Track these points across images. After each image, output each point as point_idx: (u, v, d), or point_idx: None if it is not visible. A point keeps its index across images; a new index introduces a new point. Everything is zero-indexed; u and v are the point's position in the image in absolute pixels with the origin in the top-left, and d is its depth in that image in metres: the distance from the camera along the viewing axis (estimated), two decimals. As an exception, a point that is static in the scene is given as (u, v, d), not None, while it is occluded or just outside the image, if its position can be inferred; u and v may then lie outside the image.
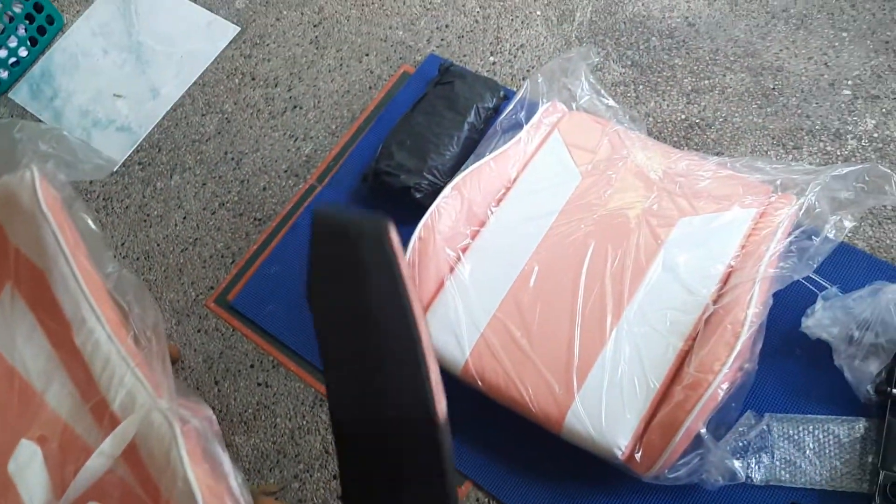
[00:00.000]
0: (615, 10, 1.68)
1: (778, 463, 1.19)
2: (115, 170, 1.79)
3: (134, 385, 0.94)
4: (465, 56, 1.72)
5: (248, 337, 1.50)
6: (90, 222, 1.09)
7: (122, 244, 1.69)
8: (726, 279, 1.23)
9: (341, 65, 1.79)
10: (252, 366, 1.48)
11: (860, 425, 1.18)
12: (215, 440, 0.92)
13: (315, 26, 1.86)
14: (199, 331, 1.54)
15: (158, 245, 1.67)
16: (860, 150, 1.40)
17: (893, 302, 1.14)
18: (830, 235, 1.22)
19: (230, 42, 1.91)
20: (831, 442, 1.18)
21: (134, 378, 0.94)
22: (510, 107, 1.46)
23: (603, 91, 1.45)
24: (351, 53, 1.80)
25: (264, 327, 1.49)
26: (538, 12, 1.73)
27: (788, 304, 1.24)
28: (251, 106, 1.80)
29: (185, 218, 1.68)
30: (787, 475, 1.17)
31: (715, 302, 1.20)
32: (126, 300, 0.99)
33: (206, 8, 1.96)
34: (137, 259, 1.66)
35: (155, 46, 1.96)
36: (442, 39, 1.76)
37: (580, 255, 1.28)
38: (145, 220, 1.71)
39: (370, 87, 1.74)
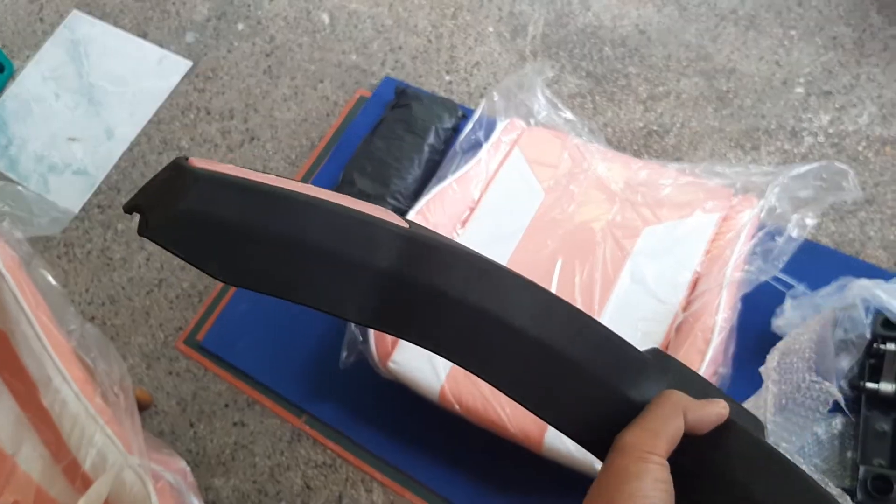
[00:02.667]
0: (566, 21, 1.69)
1: (759, 465, 1.19)
2: (75, 214, 1.76)
3: (104, 443, 0.92)
4: (420, 77, 1.71)
5: (220, 376, 1.48)
6: (50, 278, 1.07)
7: (87, 290, 1.66)
8: (694, 286, 1.23)
9: (296, 93, 1.78)
10: (227, 405, 1.46)
11: (837, 422, 1.19)
12: (190, 492, 0.90)
13: (267, 56, 1.85)
14: (170, 373, 1.52)
15: (123, 288, 1.64)
16: (817, 147, 1.41)
17: (860, 297, 1.15)
18: (793, 234, 1.23)
19: (183, 77, 1.89)
20: (810, 440, 1.19)
21: (104, 436, 0.92)
22: (469, 126, 1.46)
23: (560, 104, 1.46)
24: (305, 81, 1.79)
25: (237, 365, 1.48)
26: (490, 28, 1.73)
27: (758, 305, 1.25)
28: (208, 141, 1.78)
29: (148, 259, 1.66)
30: (769, 477, 1.18)
31: (685, 309, 1.21)
32: (91, 356, 0.97)
33: (156, 44, 1.94)
34: (102, 304, 1.63)
35: (107, 87, 1.94)
36: (396, 61, 1.75)
37: (548, 273, 1.28)
38: (108, 264, 1.68)
39: (327, 114, 1.73)
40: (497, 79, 1.66)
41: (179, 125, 1.83)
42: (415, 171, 1.51)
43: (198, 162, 0.41)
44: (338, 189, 1.51)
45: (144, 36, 1.96)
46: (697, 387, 0.50)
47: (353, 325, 1.30)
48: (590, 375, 0.47)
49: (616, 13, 1.67)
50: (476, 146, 1.44)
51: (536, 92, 1.47)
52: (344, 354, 1.32)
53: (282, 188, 0.42)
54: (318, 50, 1.82)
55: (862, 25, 1.50)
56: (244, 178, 0.41)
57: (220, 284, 1.57)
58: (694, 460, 0.45)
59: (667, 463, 0.43)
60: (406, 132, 1.54)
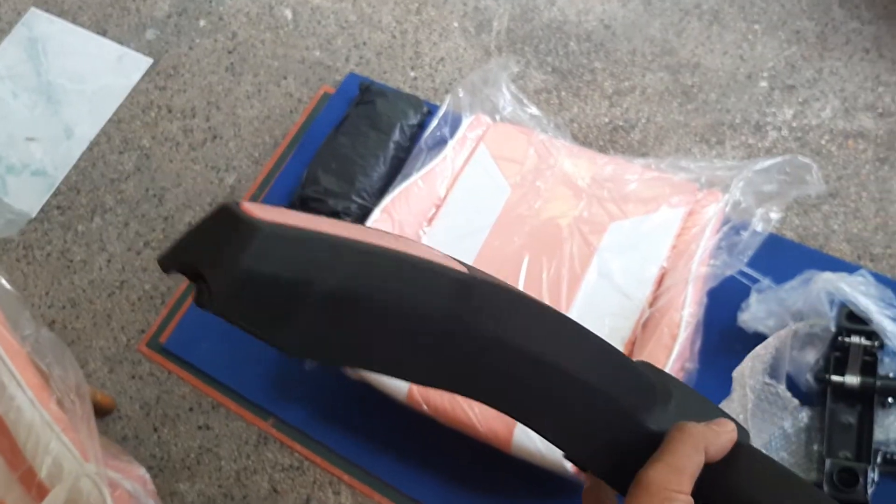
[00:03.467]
0: (531, 16, 1.68)
1: (727, 460, 1.19)
2: (33, 216, 1.72)
3: (61, 451, 0.90)
4: (385, 73, 1.70)
5: (184, 379, 1.45)
6: (5, 283, 1.04)
7: (46, 293, 1.62)
8: (661, 281, 1.23)
9: (259, 90, 1.75)
10: (191, 409, 1.43)
11: (803, 415, 1.19)
12: (150, 500, 0.88)
13: (229, 52, 1.82)
14: (133, 377, 1.49)
15: (84, 291, 1.61)
16: (781, 141, 1.42)
17: (824, 291, 1.16)
18: (758, 228, 1.23)
19: (143, 75, 1.85)
20: (777, 434, 1.19)
21: (60, 444, 0.90)
22: (434, 123, 1.45)
23: (525, 100, 1.45)
24: (268, 78, 1.76)
25: (201, 368, 1.45)
26: (455, 24, 1.72)
27: (724, 299, 1.25)
28: (170, 139, 1.75)
29: (109, 261, 1.63)
30: (737, 471, 1.18)
31: (651, 304, 1.20)
32: (46, 362, 0.95)
33: (115, 42, 1.91)
34: (63, 307, 1.60)
35: (66, 85, 1.90)
36: (360, 57, 1.73)
37: (515, 270, 1.27)
38: (68, 267, 1.65)
39: (291, 111, 1.71)
40: (462, 74, 1.65)
41: (140, 124, 1.80)
42: (380, 168, 1.49)
43: (254, 209, 0.35)
44: (303, 187, 1.49)
45: (104, 33, 1.92)
46: (697, 406, 0.50)
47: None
48: (618, 408, 0.47)
49: (581, 8, 1.66)
50: (441, 143, 1.43)
51: (502, 87, 1.46)
52: (309, 355, 1.30)
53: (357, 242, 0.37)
54: (282, 46, 1.79)
55: (824, 19, 1.51)
56: (320, 233, 0.36)
57: (183, 285, 1.54)
58: (712, 487, 0.45)
59: (692, 499, 0.44)
60: (371, 129, 1.52)
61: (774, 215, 1.23)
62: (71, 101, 1.87)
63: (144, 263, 1.61)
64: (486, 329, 0.41)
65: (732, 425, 0.47)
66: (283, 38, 1.81)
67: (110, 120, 1.81)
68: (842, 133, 1.39)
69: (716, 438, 0.46)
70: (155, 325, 1.52)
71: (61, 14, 1.98)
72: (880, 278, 1.22)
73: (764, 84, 1.48)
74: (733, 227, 1.24)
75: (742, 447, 0.47)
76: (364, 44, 1.75)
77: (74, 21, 1.96)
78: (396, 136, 1.52)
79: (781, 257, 1.32)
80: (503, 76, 1.45)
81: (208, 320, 1.50)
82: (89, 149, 1.79)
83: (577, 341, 0.46)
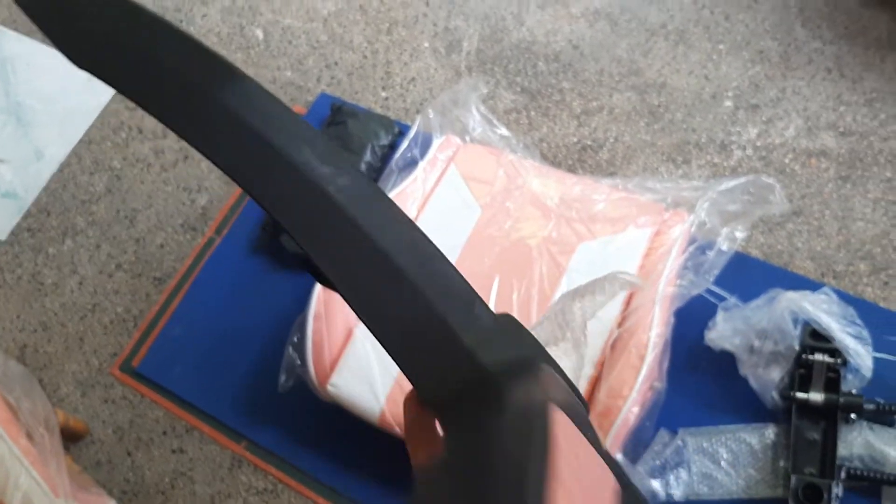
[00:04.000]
0: (501, 37, 1.69)
1: (696, 477, 1.21)
2: (3, 239, 1.71)
3: (30, 486, 0.89)
4: (356, 93, 1.71)
5: (157, 403, 1.45)
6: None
7: (18, 317, 1.62)
8: (629, 301, 1.25)
9: (232, 111, 1.75)
10: (165, 433, 1.43)
11: (770, 431, 1.21)
12: (121, 533, 0.88)
13: (201, 73, 1.82)
14: (105, 401, 1.48)
15: (56, 314, 1.60)
16: (746, 160, 1.44)
17: (788, 309, 1.18)
18: (724, 248, 1.25)
19: (114, 95, 1.85)
20: (744, 451, 1.21)
21: (30, 478, 0.90)
22: (404, 144, 1.46)
23: (495, 120, 1.46)
24: (240, 99, 1.76)
25: (174, 391, 1.45)
26: (426, 44, 1.73)
27: (691, 318, 1.27)
28: (141, 160, 1.75)
29: (81, 283, 1.62)
30: (706, 488, 1.20)
31: (619, 325, 1.22)
32: (14, 396, 0.95)
33: (86, 62, 1.90)
34: (35, 331, 1.59)
35: (35, 106, 1.89)
36: (332, 77, 1.74)
37: (486, 290, 1.28)
38: (39, 290, 1.64)
39: (263, 132, 1.71)
40: (433, 94, 1.66)
41: (111, 144, 1.79)
42: (352, 189, 1.49)
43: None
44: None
45: (74, 53, 1.91)
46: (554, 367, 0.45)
47: (290, 348, 1.29)
48: (431, 310, 0.43)
49: (549, 28, 1.68)
50: (412, 163, 1.44)
51: (471, 108, 1.47)
52: (283, 378, 1.30)
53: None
54: (253, 66, 1.80)
55: (787, 39, 1.54)
56: None
57: (155, 308, 1.54)
58: None
59: None
60: (342, 149, 1.53)
61: (740, 234, 1.25)
62: (41, 122, 1.86)
63: (116, 286, 1.61)
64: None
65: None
66: (254, 58, 1.81)
67: (81, 141, 1.81)
68: (805, 152, 1.42)
69: None
70: (128, 349, 1.52)
71: (30, 33, 1.97)
72: (843, 296, 1.24)
73: (729, 103, 1.50)
74: (699, 247, 1.26)
75: None
76: (335, 64, 1.76)
77: (44, 40, 1.95)
78: (368, 156, 1.53)
79: (747, 275, 1.34)
80: (473, 97, 1.46)
81: (182, 344, 1.51)
82: (60, 170, 1.78)
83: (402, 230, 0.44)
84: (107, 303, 1.59)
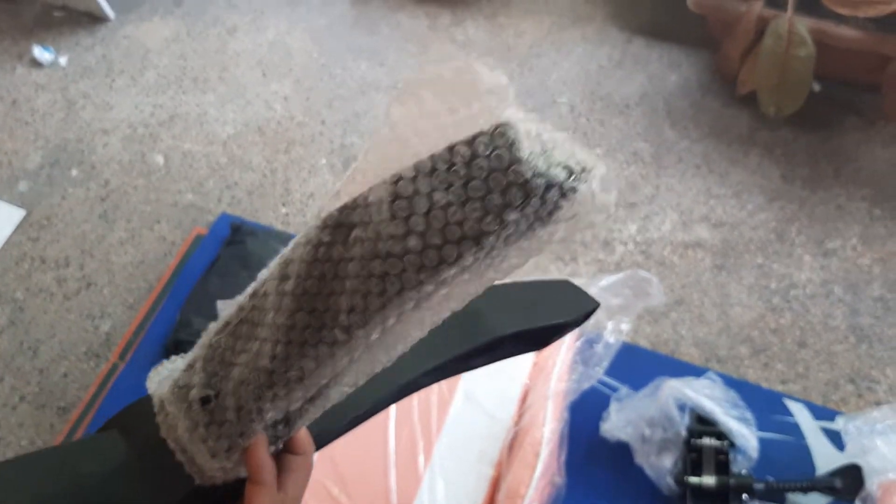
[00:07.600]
0: (394, 150, 1.76)
1: (601, 570, 1.22)
2: None
3: None
4: (257, 211, 1.75)
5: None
6: None
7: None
8: (524, 398, 1.28)
9: (133, 236, 1.77)
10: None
11: (667, 517, 1.24)
12: None
13: (102, 200, 1.84)
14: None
15: (-49, 455, 1.56)
16: (628, 255, 1.52)
17: (672, 397, 1.23)
18: (611, 340, 1.30)
19: (16, 227, 1.85)
20: (646, 536, 1.23)
21: None
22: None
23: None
24: (141, 223, 1.79)
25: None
26: (323, 160, 1.79)
27: (587, 410, 1.30)
28: (43, 290, 1.74)
29: (-21, 422, 1.59)
30: (611, 580, 1.21)
31: (516, 423, 1.25)
32: None
33: (-15, 195, 1.91)
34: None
35: (-68, 241, 1.87)
36: (232, 197, 1.78)
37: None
38: (-65, 431, 1.59)
39: (165, 255, 1.73)
40: (332, 209, 1.71)
41: (13, 276, 1.78)
42: (253, 306, 1.51)
43: None
44: (176, 331, 1.50)
45: (-28, 187, 1.92)
46: None
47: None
48: None
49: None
50: (310, 278, 1.47)
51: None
52: None
53: None
54: (154, 191, 1.83)
55: (658, 140, 1.65)
56: None
57: (59, 439, 1.51)
58: None
59: None
60: (242, 268, 1.56)
61: (625, 326, 1.31)
62: (-62, 257, 1.85)
63: (20, 419, 1.57)
64: None
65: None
66: (155, 184, 1.84)
67: (-20, 275, 1.80)
68: (681, 244, 1.51)
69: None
70: (27, 485, 1.48)
71: (-72, 171, 1.97)
72: (726, 379, 1.30)
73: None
74: (587, 341, 1.31)
75: None
76: (235, 184, 1.80)
77: (-58, 178, 1.95)
78: (267, 273, 1.55)
79: (636, 365, 1.39)
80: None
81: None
82: (-42, 305, 1.76)
83: None
84: (11, 437, 1.55)
